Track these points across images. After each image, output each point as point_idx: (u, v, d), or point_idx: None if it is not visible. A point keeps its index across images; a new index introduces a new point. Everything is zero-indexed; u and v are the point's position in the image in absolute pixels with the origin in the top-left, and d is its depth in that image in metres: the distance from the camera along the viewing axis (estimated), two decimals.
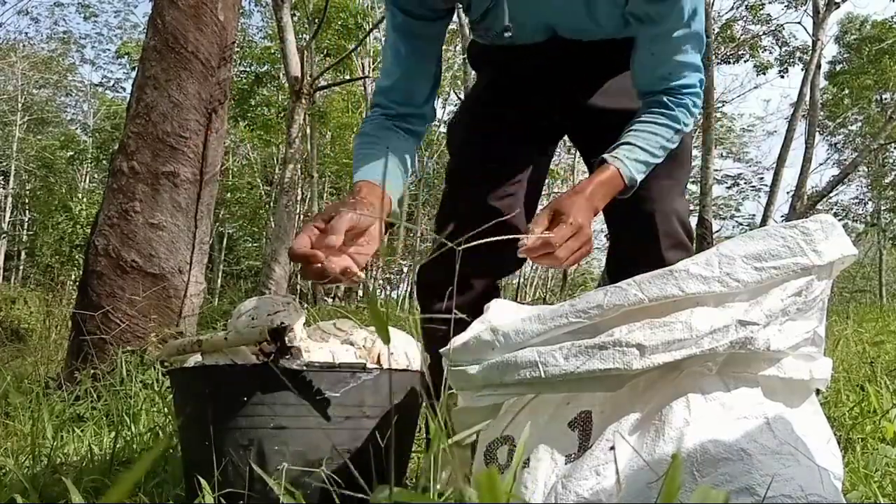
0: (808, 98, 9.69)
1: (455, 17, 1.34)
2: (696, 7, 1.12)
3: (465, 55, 1.54)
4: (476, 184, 1.35)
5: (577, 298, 0.89)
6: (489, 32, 1.28)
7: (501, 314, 1.00)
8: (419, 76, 1.26)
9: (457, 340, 0.94)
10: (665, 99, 1.18)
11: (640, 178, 1.16)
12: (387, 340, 0.64)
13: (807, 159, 9.72)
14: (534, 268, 19.66)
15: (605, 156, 1.15)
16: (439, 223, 1.40)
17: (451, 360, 0.94)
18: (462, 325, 0.97)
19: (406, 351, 1.11)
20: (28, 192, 21.71)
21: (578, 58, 1.29)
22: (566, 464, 0.85)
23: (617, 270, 1.29)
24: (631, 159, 1.14)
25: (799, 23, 13.63)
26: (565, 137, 1.48)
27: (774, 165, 9.57)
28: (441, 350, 0.95)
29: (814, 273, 0.88)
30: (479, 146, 1.37)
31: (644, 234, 1.30)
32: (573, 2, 1.18)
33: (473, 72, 1.54)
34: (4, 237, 20.01)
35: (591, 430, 0.87)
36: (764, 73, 16.56)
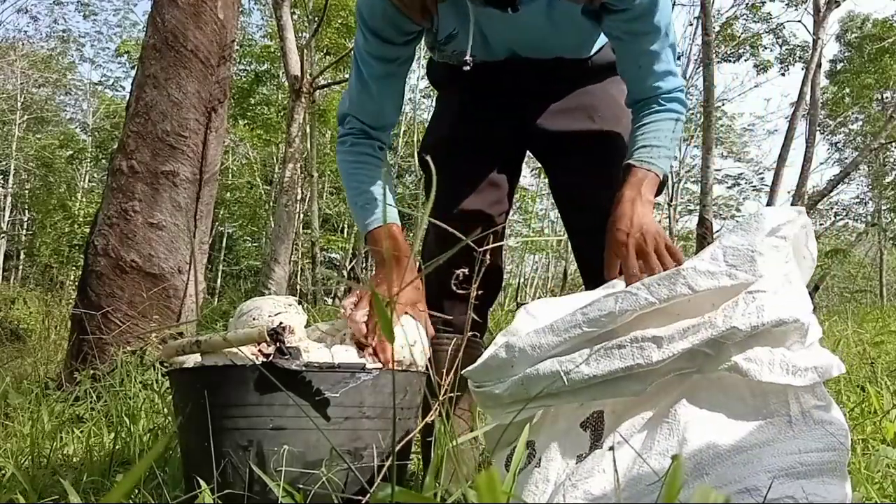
0: (808, 97, 9.66)
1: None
2: (670, 20, 1.24)
3: (426, 74, 1.53)
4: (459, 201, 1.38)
5: (587, 306, 0.88)
6: (454, 54, 1.32)
7: (522, 324, 0.99)
8: (388, 99, 1.32)
9: (478, 360, 0.95)
10: (658, 100, 1.28)
11: (667, 170, 1.26)
12: (391, 339, 0.63)
13: (807, 158, 9.69)
14: (533, 268, 19.66)
15: (631, 161, 1.23)
16: (427, 243, 1.45)
17: (475, 381, 0.95)
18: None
19: (415, 339, 1.11)
20: (27, 192, 21.66)
21: (536, 74, 1.37)
22: (577, 463, 0.85)
23: (593, 281, 1.30)
24: (655, 157, 1.23)
25: (799, 21, 13.60)
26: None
27: (775, 165, 9.55)
28: (464, 372, 0.97)
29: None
30: (456, 168, 1.38)
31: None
32: (538, 21, 1.25)
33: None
34: (4, 237, 19.98)
35: (602, 429, 0.87)
36: (764, 72, 16.57)
